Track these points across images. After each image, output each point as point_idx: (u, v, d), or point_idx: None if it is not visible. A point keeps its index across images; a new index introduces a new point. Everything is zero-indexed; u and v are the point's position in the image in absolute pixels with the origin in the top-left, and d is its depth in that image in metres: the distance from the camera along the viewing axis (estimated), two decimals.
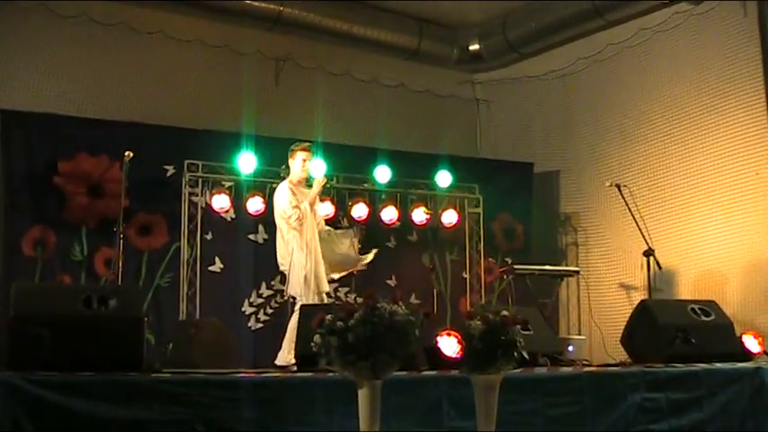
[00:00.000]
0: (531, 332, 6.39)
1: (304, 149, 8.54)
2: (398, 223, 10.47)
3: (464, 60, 11.99)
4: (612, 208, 10.36)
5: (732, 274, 9.45)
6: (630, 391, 6.19)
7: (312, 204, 8.42)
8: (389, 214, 10.28)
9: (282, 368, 7.51)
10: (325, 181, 8.57)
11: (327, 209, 9.62)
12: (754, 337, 7.49)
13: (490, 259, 11.11)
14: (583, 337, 10.13)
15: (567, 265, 11.26)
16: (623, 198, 9.15)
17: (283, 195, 8.41)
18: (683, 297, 9.65)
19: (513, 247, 11.30)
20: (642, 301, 7.89)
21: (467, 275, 10.98)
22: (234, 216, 9.73)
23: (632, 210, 9.06)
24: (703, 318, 7.45)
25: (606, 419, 6.03)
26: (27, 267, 8.74)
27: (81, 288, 6.91)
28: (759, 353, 7.44)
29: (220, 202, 9.38)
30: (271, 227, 9.70)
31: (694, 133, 9.99)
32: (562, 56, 11.51)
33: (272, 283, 9.83)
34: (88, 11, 9.73)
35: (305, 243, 8.28)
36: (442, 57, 11.88)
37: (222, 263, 9.65)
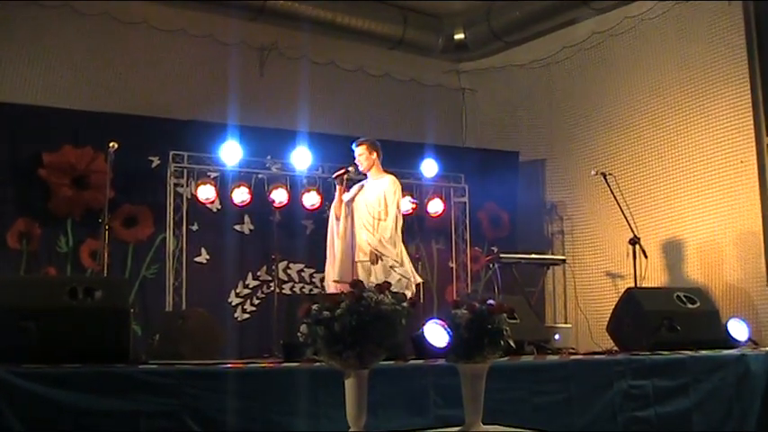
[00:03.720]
0: (518, 320, 6.41)
1: (356, 144, 8.65)
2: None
3: (449, 49, 11.98)
4: (598, 196, 10.38)
5: (718, 261, 9.49)
6: (617, 379, 6.21)
7: (341, 199, 8.59)
8: None
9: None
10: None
11: (313, 199, 9.68)
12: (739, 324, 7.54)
13: (476, 248, 11.13)
14: (569, 326, 10.15)
15: (553, 254, 11.29)
16: (609, 186, 9.15)
17: None
18: (668, 285, 9.69)
19: (499, 236, 11.32)
20: (628, 288, 7.90)
21: (453, 264, 11.01)
22: (219, 207, 9.72)
23: (618, 198, 9.07)
24: (689, 305, 7.46)
25: (592, 407, 6.05)
26: (12, 260, 8.71)
27: (66, 280, 6.89)
28: (744, 339, 7.48)
29: (206, 192, 9.38)
30: (257, 217, 9.75)
31: (680, 121, 10.01)
32: (547, 45, 11.52)
33: (258, 273, 9.85)
34: (71, 2, 9.68)
35: (338, 236, 8.50)
36: (427, 46, 11.87)
37: (208, 254, 9.65)
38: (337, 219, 8.59)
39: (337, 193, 8.63)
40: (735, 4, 9.49)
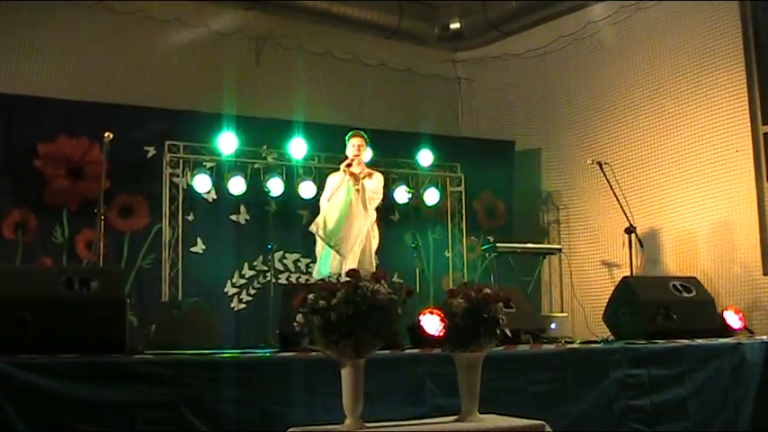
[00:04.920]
0: (514, 309, 6.39)
1: (353, 136, 8.62)
2: (380, 202, 10.48)
3: (445, 39, 11.95)
4: (594, 185, 10.38)
5: (712, 249, 9.49)
6: (612, 368, 6.22)
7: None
8: None
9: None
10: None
11: (309, 188, 9.68)
12: (735, 313, 7.55)
13: (472, 237, 11.13)
14: (565, 315, 10.17)
15: (549, 243, 11.29)
16: (605, 175, 9.15)
17: (330, 179, 8.64)
18: (664, 273, 9.70)
19: (495, 226, 11.31)
20: (624, 277, 7.90)
21: (449, 254, 11.01)
22: (215, 197, 9.73)
23: (614, 187, 9.07)
24: (685, 294, 7.48)
25: (588, 396, 6.06)
26: (8, 250, 8.71)
27: (62, 270, 6.88)
28: (740, 328, 7.49)
29: (201, 182, 9.39)
30: (252, 207, 9.74)
31: (675, 110, 10.01)
32: (543, 34, 11.49)
33: (255, 263, 9.84)
34: None
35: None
36: (423, 35, 11.84)
37: (204, 244, 9.65)
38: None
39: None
40: None
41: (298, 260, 10.07)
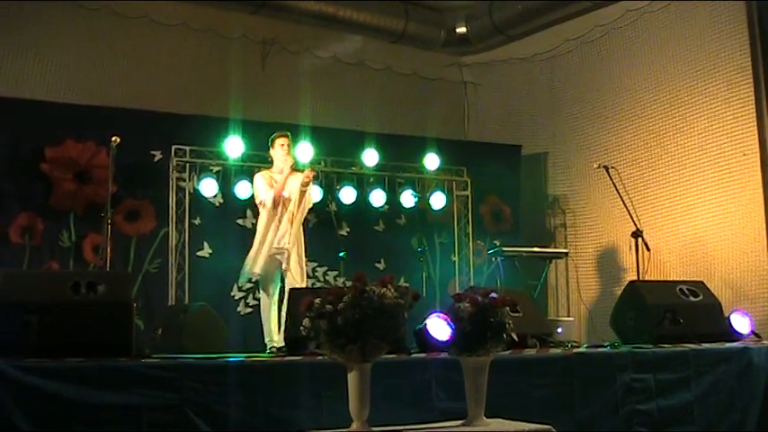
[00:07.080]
0: (521, 314, 6.40)
1: (282, 136, 8.59)
2: (387, 207, 10.49)
3: (451, 43, 11.96)
4: (600, 189, 10.38)
5: (719, 253, 9.47)
6: (619, 372, 6.21)
7: (277, 195, 8.43)
8: (377, 197, 10.30)
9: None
10: (307, 178, 8.56)
11: (316, 193, 9.67)
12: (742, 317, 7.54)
13: (479, 242, 11.12)
14: (572, 319, 10.16)
15: (555, 247, 11.29)
16: (611, 179, 9.14)
17: (255, 182, 8.60)
18: (671, 277, 9.68)
19: (501, 230, 11.32)
20: (631, 281, 7.90)
21: (455, 258, 11.00)
22: (222, 201, 9.73)
23: (620, 191, 9.06)
24: (691, 298, 7.46)
25: (595, 400, 6.06)
26: (15, 255, 8.72)
27: (69, 274, 6.89)
28: (747, 333, 7.47)
29: (208, 186, 9.41)
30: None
31: (682, 114, 10.00)
32: (549, 38, 11.49)
33: None
34: None
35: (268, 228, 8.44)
36: (429, 39, 11.85)
37: (211, 248, 9.65)
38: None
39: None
40: None
41: None
